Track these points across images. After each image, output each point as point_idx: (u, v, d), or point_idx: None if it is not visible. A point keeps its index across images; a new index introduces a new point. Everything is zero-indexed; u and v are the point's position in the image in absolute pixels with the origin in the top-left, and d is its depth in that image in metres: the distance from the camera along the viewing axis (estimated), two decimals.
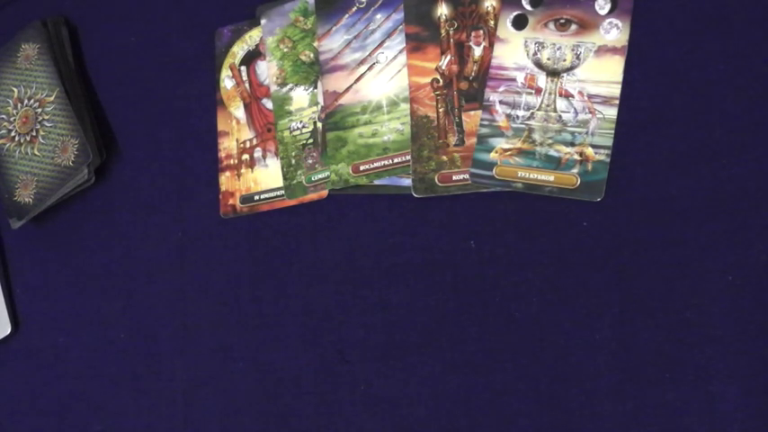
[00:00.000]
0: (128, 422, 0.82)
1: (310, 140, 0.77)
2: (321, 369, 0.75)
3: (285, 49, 0.80)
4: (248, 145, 0.81)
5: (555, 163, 0.69)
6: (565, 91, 0.69)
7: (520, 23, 0.71)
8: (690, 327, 0.63)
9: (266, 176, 0.79)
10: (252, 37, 0.82)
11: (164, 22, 0.86)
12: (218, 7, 0.84)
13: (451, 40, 0.73)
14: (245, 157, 0.80)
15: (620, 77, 0.68)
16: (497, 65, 0.71)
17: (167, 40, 0.86)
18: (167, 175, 0.84)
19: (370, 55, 0.76)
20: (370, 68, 0.76)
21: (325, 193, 0.76)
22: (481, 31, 0.72)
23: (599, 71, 0.69)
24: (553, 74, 0.70)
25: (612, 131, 0.68)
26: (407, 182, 0.73)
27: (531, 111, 0.70)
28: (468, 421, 0.69)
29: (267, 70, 0.81)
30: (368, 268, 0.74)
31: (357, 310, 0.74)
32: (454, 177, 0.71)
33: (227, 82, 0.82)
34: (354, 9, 0.77)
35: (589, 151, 0.68)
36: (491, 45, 0.72)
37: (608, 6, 0.69)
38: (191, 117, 0.84)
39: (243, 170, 0.80)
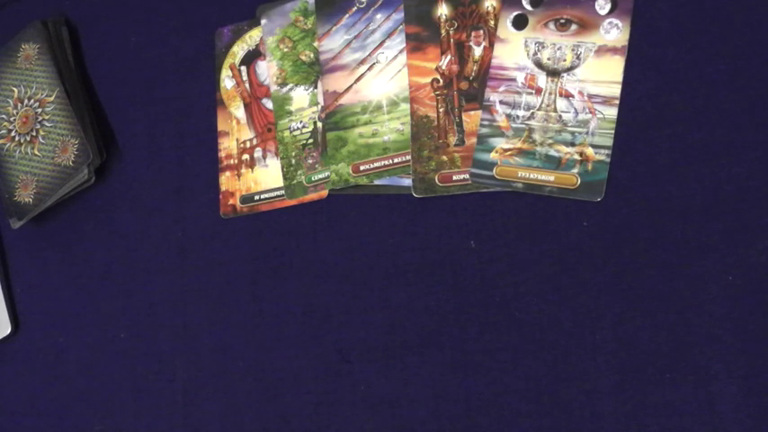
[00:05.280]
0: (128, 422, 0.82)
1: (310, 140, 0.77)
2: (321, 369, 0.74)
3: (285, 49, 0.80)
4: (248, 145, 0.81)
5: (555, 163, 0.69)
6: (565, 91, 0.69)
7: (520, 23, 0.71)
8: (690, 327, 0.63)
9: (266, 176, 0.79)
10: (252, 37, 0.82)
11: (164, 22, 0.86)
12: (218, 7, 0.84)
13: (451, 40, 0.73)
14: (245, 157, 0.80)
15: (620, 77, 0.68)
16: (497, 65, 0.71)
17: (167, 40, 0.86)
18: (167, 175, 0.84)
19: (370, 55, 0.76)
20: (370, 68, 0.76)
21: (325, 193, 0.76)
22: (481, 31, 0.72)
23: (599, 71, 0.69)
24: (553, 74, 0.70)
25: (612, 131, 0.67)
26: (407, 182, 0.73)
27: (532, 111, 0.70)
28: (468, 421, 0.69)
29: (267, 70, 0.80)
30: (368, 268, 0.74)
31: (357, 310, 0.74)
32: (454, 177, 0.71)
33: (227, 82, 0.82)
34: (354, 9, 0.77)
35: (589, 151, 0.68)
36: (491, 45, 0.72)
37: (608, 6, 0.69)
38: (191, 117, 0.84)
39: (243, 170, 0.80)
